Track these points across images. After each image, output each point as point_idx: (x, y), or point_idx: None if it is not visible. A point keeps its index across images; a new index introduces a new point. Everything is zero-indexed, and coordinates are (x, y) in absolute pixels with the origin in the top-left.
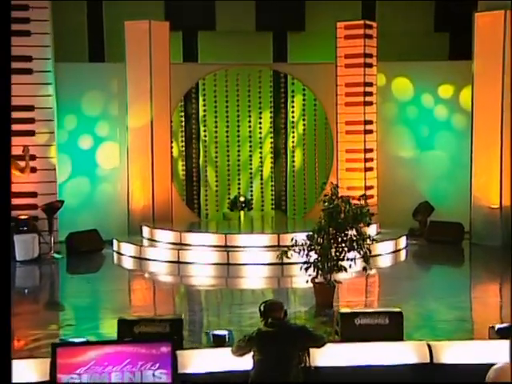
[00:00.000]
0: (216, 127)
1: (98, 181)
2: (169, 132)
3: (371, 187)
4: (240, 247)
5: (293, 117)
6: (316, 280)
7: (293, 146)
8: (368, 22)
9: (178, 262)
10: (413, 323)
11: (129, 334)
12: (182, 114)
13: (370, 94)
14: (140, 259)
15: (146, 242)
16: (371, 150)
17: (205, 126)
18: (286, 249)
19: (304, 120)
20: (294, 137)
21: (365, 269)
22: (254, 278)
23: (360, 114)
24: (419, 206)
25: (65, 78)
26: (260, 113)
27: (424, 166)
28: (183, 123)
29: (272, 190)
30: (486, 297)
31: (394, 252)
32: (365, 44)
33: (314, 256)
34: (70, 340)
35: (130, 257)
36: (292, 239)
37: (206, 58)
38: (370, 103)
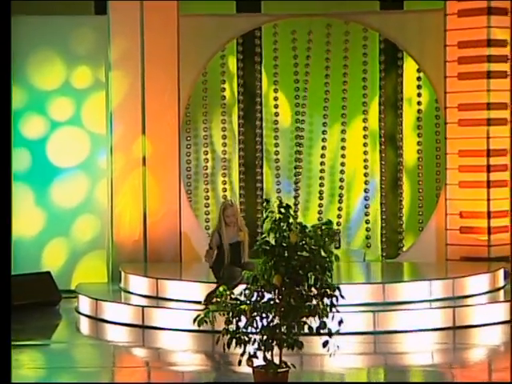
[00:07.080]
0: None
1: (58, 192)
2: (176, 114)
3: (502, 214)
4: None
5: (382, 98)
6: (255, 361)
7: (383, 148)
8: None
9: (143, 327)
10: None
11: None
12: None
13: (502, 58)
14: (96, 320)
15: (123, 295)
16: (502, 153)
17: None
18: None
19: (401, 101)
20: (383, 132)
21: (325, 345)
22: None
23: (482, 93)
24: None
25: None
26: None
27: None
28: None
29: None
30: None
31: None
32: None
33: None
34: None
35: (86, 316)
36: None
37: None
38: (502, 75)
